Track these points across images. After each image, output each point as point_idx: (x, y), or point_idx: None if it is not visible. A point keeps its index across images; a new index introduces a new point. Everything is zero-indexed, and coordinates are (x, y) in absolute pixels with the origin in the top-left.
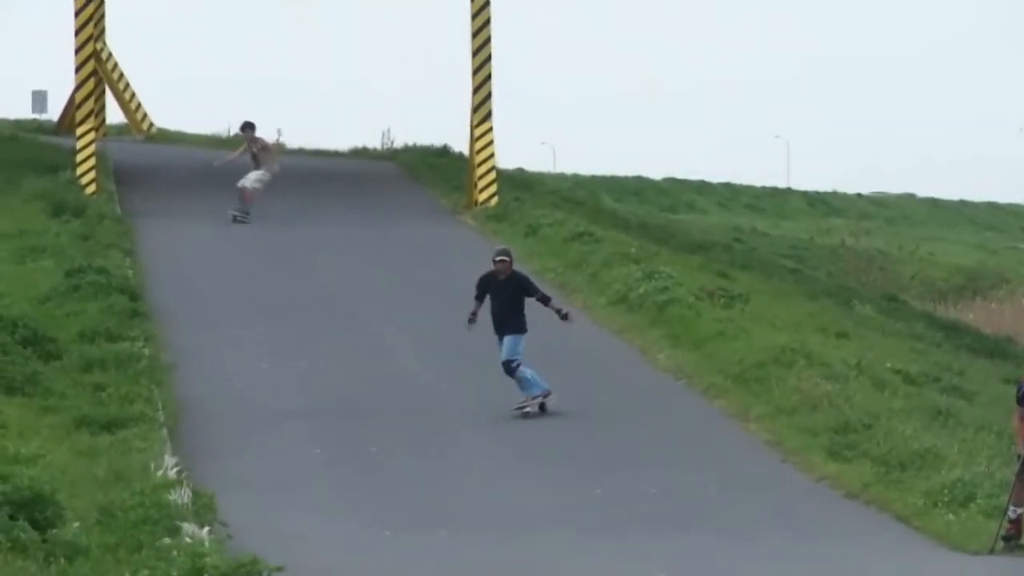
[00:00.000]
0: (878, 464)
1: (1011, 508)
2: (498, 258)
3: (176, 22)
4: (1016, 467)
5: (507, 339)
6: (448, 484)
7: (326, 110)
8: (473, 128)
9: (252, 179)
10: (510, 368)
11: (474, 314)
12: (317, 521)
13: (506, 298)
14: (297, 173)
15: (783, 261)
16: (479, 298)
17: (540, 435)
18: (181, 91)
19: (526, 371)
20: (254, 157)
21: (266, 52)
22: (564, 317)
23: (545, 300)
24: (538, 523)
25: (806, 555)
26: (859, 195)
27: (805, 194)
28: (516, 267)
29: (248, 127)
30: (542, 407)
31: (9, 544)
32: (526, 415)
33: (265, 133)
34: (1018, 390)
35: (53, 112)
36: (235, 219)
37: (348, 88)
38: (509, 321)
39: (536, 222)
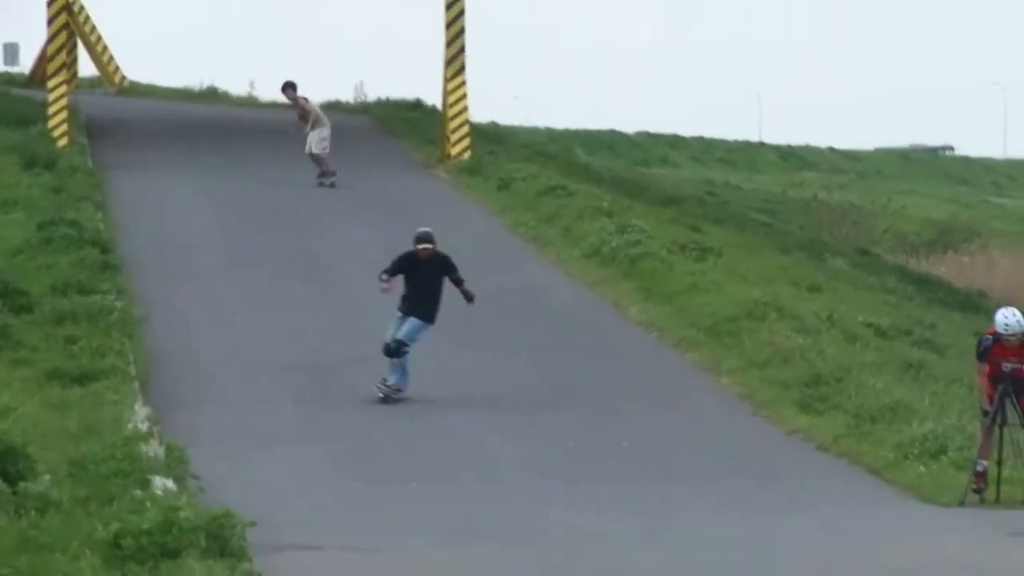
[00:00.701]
0: (849, 417)
1: (978, 461)
2: (421, 246)
3: None
4: (982, 421)
5: (412, 321)
6: (420, 437)
7: (299, 63)
8: (446, 82)
9: (313, 144)
10: (400, 350)
11: (387, 282)
12: (289, 474)
13: (427, 281)
14: (268, 126)
15: (755, 215)
16: (391, 272)
17: (513, 388)
18: (153, 44)
19: (407, 360)
20: (301, 117)
21: (238, 4)
22: (470, 300)
23: (460, 282)
24: (510, 475)
25: (777, 507)
26: (831, 149)
27: (777, 148)
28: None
29: (288, 87)
30: (390, 398)
31: None
32: (386, 400)
33: (304, 93)
34: (979, 345)
35: (25, 65)
36: (321, 184)
37: (321, 41)
38: (424, 305)
39: (509, 176)
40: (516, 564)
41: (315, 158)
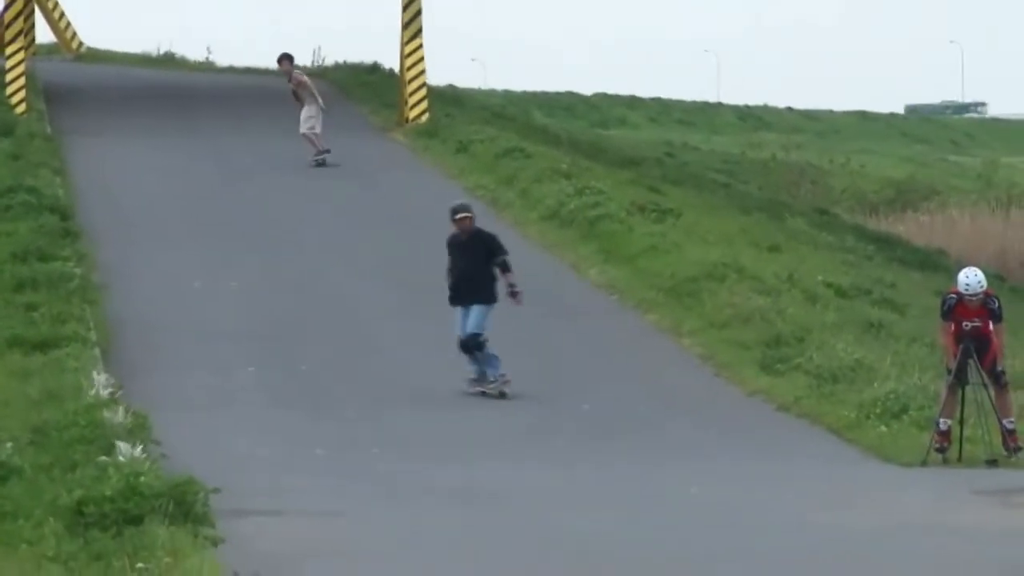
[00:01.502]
0: (810, 377)
1: (941, 420)
2: (458, 215)
3: None
4: (946, 379)
5: (475, 309)
6: (381, 403)
7: (256, 28)
8: (403, 45)
9: (303, 126)
10: (477, 342)
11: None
12: (251, 440)
13: (471, 261)
14: (226, 91)
15: (714, 176)
16: (450, 268)
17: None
18: (110, 10)
19: (489, 348)
20: (294, 93)
21: None
22: (514, 295)
23: (505, 267)
24: (470, 440)
25: (738, 468)
26: (790, 109)
27: (735, 108)
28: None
29: (284, 59)
30: (502, 393)
31: None
32: (503, 395)
33: (302, 65)
34: (942, 304)
35: None
36: (317, 164)
37: (278, 6)
38: (475, 288)
39: (467, 138)
40: (477, 525)
41: (307, 140)
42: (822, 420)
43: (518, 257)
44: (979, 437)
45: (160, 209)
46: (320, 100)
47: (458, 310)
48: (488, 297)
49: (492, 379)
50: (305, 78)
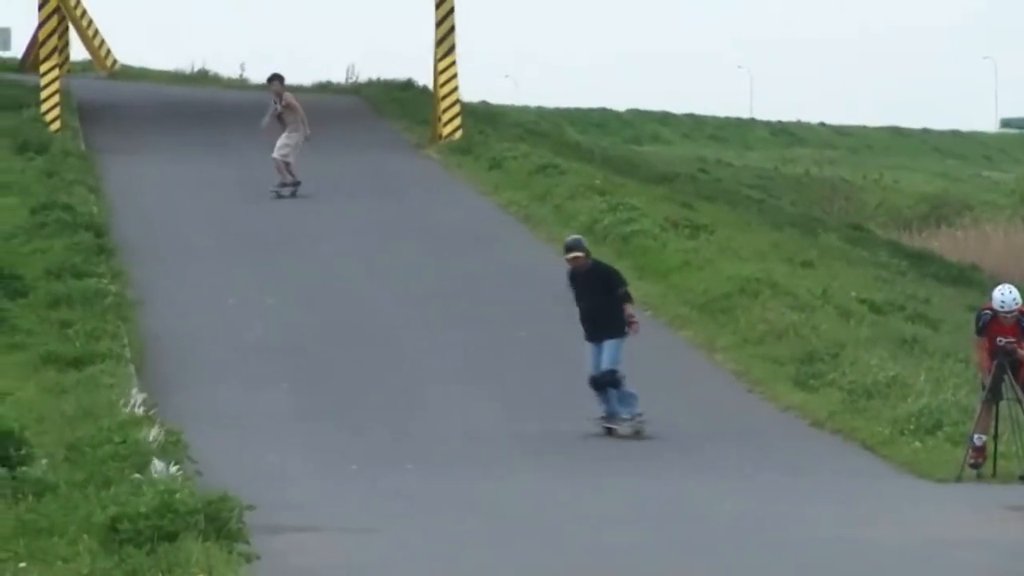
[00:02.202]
0: (844, 393)
1: (976, 436)
2: (570, 255)
3: None
4: (981, 395)
5: (607, 344)
6: (414, 419)
7: (290, 45)
8: (437, 62)
9: (277, 147)
10: (613, 379)
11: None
12: (285, 456)
13: (594, 295)
14: (260, 108)
15: (747, 191)
16: (576, 300)
17: (506, 373)
18: (144, 27)
19: (625, 385)
20: (279, 116)
21: None
22: (630, 325)
23: (625, 298)
24: (504, 458)
25: (772, 483)
26: (822, 124)
27: (768, 124)
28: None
29: (275, 79)
30: (638, 433)
31: None
32: (639, 433)
33: (290, 91)
34: (977, 320)
35: (17, 50)
36: (277, 195)
37: (312, 23)
38: (604, 322)
39: (500, 155)
40: (510, 542)
41: (276, 165)
42: (856, 436)
43: (552, 273)
44: (1013, 453)
45: (193, 226)
46: (307, 128)
47: (588, 346)
48: (618, 331)
49: (627, 416)
50: (296, 103)
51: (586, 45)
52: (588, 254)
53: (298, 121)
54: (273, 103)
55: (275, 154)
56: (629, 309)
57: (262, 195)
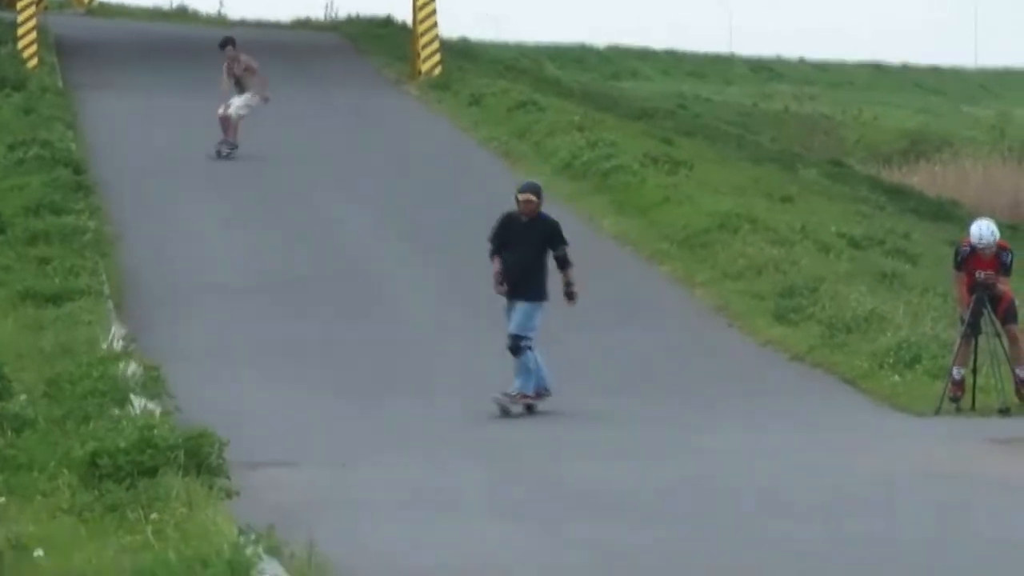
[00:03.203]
0: (824, 327)
1: (955, 369)
2: (522, 195)
3: None
4: (959, 329)
5: (521, 307)
6: (394, 353)
7: None
8: None
9: (236, 105)
10: (518, 346)
11: (501, 274)
12: (264, 391)
13: (528, 248)
14: (239, 45)
15: (727, 127)
16: (497, 251)
17: (485, 302)
18: None
19: (532, 356)
20: (237, 81)
21: None
22: (570, 296)
23: (564, 263)
24: (484, 386)
25: (752, 417)
26: (802, 60)
27: (748, 60)
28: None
29: (227, 43)
30: (529, 407)
31: None
32: (505, 412)
33: (246, 53)
34: (956, 254)
35: None
36: (219, 154)
37: None
38: (527, 281)
39: (480, 91)
40: (493, 477)
41: (225, 122)
42: (835, 370)
43: None
44: (992, 386)
45: (172, 162)
46: (266, 91)
47: (504, 306)
48: (537, 293)
49: (512, 392)
50: (254, 64)
51: None
52: (541, 202)
53: (258, 83)
54: (229, 70)
55: (231, 111)
56: (571, 275)
57: (241, 132)
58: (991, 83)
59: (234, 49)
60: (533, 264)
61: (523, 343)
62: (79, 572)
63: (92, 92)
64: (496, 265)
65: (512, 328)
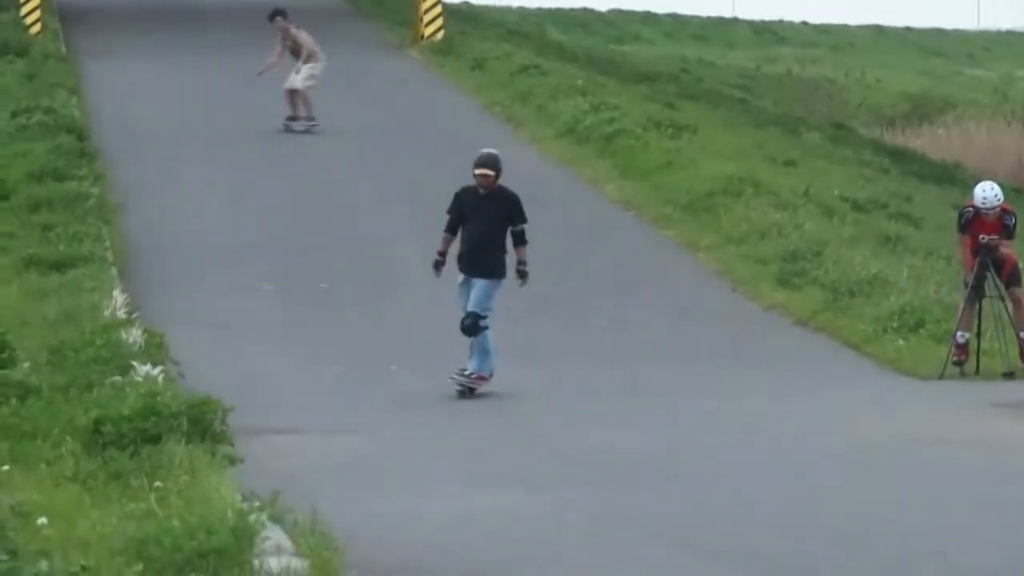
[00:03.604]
0: (827, 291)
1: (959, 333)
2: (478, 171)
3: None
4: (963, 293)
5: (479, 284)
6: (398, 320)
7: None
8: None
9: (302, 77)
10: (475, 325)
11: (442, 254)
12: (268, 358)
13: (487, 224)
14: (240, 7)
15: (730, 91)
16: (452, 227)
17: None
18: None
19: (489, 337)
20: (292, 52)
21: None
22: (522, 276)
23: (521, 240)
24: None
25: (755, 381)
26: (804, 23)
27: (751, 23)
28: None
29: (279, 15)
30: (470, 390)
31: None
32: (466, 393)
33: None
34: (959, 217)
35: None
36: (287, 128)
37: None
38: (485, 258)
39: (482, 56)
40: (493, 438)
41: (293, 95)
42: (839, 334)
43: (536, 173)
44: (996, 350)
45: (175, 128)
46: (323, 56)
47: (459, 283)
48: (496, 271)
49: (469, 372)
50: (305, 35)
51: None
52: (499, 175)
53: (314, 51)
54: (280, 43)
55: (299, 84)
56: (525, 254)
57: (244, 97)
58: (993, 45)
59: (284, 20)
60: (492, 240)
61: (481, 322)
62: (83, 540)
63: (96, 59)
64: (442, 244)
65: (470, 306)
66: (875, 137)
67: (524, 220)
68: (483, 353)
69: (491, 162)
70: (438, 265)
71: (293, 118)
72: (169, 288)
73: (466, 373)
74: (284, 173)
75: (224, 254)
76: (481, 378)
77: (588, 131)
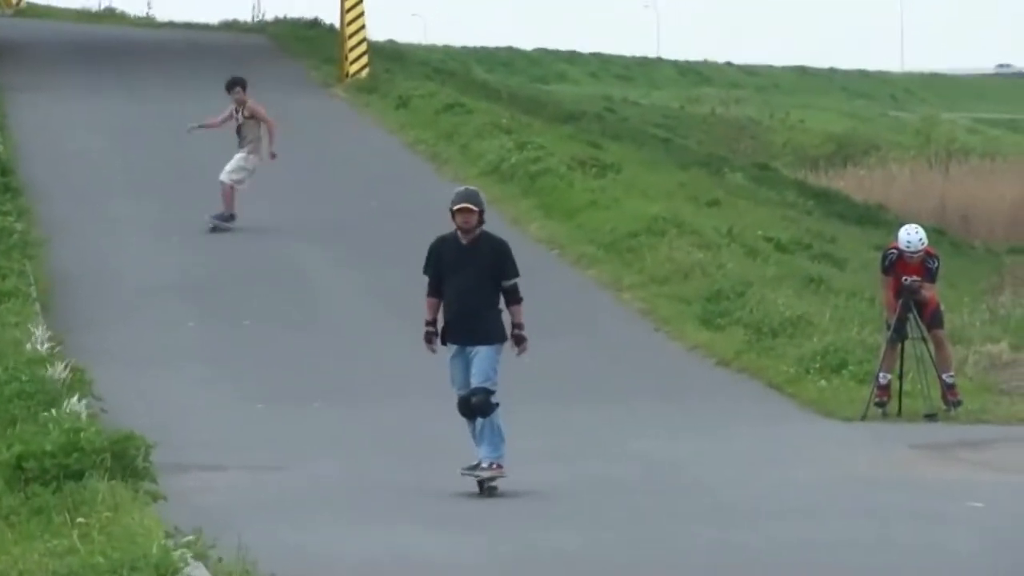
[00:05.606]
0: (750, 331)
1: (881, 374)
2: (457, 205)
3: None
4: (886, 334)
5: (481, 353)
6: (322, 357)
7: None
8: (343, 0)
9: (228, 170)
10: (487, 402)
11: (431, 323)
12: (192, 394)
13: (472, 280)
14: (167, 47)
15: (654, 131)
16: (434, 289)
17: (413, 305)
18: None
19: (498, 416)
20: (239, 128)
21: None
22: (519, 342)
23: (514, 298)
24: (410, 393)
25: (679, 422)
26: (729, 63)
27: (676, 63)
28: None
29: (236, 85)
30: (492, 488)
31: None
32: (490, 489)
33: (255, 97)
34: (883, 259)
35: None
36: (214, 228)
37: None
38: (480, 320)
39: (407, 93)
40: (419, 476)
41: (222, 189)
42: (762, 375)
43: None
44: (918, 391)
45: (101, 165)
46: (273, 145)
47: (452, 353)
48: (495, 334)
49: (486, 464)
50: (263, 113)
51: None
52: (482, 215)
53: (260, 138)
54: (230, 114)
55: (224, 177)
56: (520, 315)
57: (170, 134)
58: (917, 87)
59: (243, 92)
60: (484, 298)
61: (491, 397)
62: (4, 575)
63: (21, 94)
64: (428, 311)
65: (475, 380)
66: (799, 178)
67: (516, 273)
68: (496, 435)
69: (472, 197)
70: (430, 337)
71: (220, 215)
72: (94, 324)
73: (483, 466)
74: (205, 210)
75: (149, 291)
76: (499, 466)
77: (512, 170)
